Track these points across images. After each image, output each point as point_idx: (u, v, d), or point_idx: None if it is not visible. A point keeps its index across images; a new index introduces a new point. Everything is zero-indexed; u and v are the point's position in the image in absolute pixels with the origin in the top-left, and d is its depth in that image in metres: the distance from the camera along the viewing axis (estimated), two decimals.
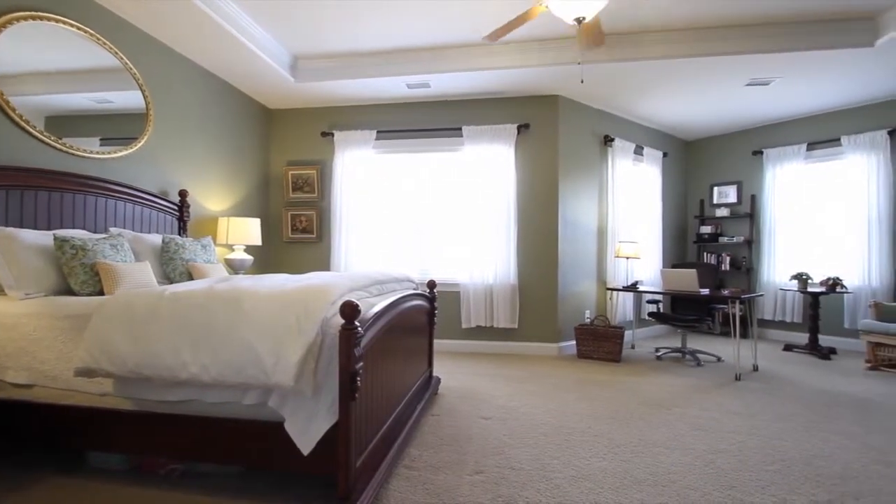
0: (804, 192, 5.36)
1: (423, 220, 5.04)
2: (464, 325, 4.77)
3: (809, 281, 4.69)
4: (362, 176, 4.93)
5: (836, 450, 2.36)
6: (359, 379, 1.60)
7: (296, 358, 1.61)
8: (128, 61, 3.23)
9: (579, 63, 3.91)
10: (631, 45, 3.86)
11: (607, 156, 5.25)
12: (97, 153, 3.01)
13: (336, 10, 3.49)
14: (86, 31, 2.91)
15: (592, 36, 2.92)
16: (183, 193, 3.71)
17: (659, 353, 4.66)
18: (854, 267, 4.89)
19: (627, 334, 5.03)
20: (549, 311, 4.70)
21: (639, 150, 5.57)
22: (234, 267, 4.04)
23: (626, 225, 5.33)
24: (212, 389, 1.79)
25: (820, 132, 5.24)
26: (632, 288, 4.65)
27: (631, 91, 4.65)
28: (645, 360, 4.44)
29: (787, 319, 5.37)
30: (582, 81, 4.33)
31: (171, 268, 2.98)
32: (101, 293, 2.35)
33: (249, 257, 4.11)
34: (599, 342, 4.42)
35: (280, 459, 1.78)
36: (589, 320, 4.91)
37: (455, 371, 3.93)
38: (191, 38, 3.55)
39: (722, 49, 3.75)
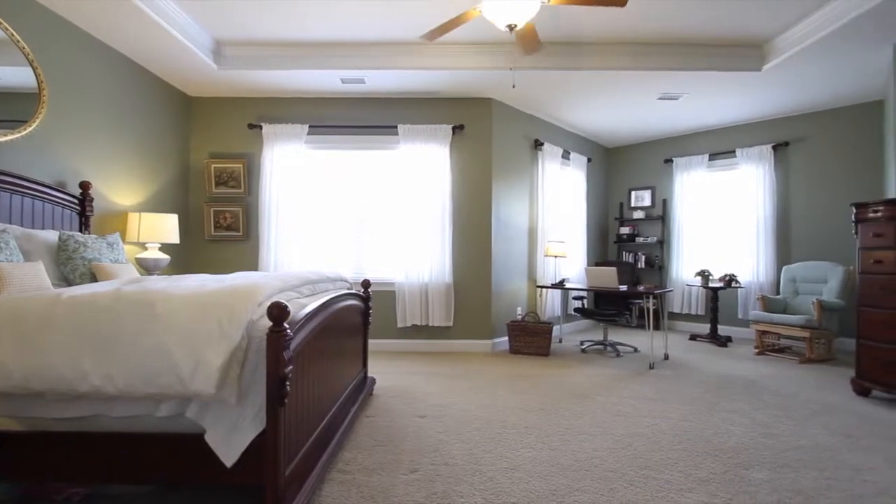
0: (707, 197, 5.98)
1: (357, 219, 4.94)
2: (399, 325, 4.75)
3: (710, 277, 5.27)
4: (293, 171, 4.72)
5: (730, 427, 2.66)
6: (288, 384, 1.53)
7: (218, 363, 1.51)
8: (14, 32, 2.83)
9: (511, 69, 4.05)
10: (558, 56, 4.07)
11: (537, 159, 5.49)
12: None
13: None
14: None
15: (528, 42, 3.04)
16: (85, 185, 3.32)
17: (584, 346, 4.96)
18: (746, 264, 5.54)
19: (556, 329, 5.30)
20: (482, 309, 4.82)
21: (566, 155, 5.89)
22: (146, 267, 3.69)
23: (555, 225, 5.60)
24: (118, 402, 1.63)
25: (720, 144, 5.87)
26: (559, 285, 4.90)
27: (558, 98, 4.90)
28: (571, 353, 4.70)
29: (693, 312, 5.96)
30: (514, 86, 4.49)
31: (71, 268, 2.66)
32: None
33: (165, 256, 3.78)
34: (530, 337, 4.61)
35: (200, 474, 1.67)
36: (520, 317, 5.10)
37: (390, 371, 3.91)
38: (93, 11, 3.19)
39: (639, 64, 4.08)
